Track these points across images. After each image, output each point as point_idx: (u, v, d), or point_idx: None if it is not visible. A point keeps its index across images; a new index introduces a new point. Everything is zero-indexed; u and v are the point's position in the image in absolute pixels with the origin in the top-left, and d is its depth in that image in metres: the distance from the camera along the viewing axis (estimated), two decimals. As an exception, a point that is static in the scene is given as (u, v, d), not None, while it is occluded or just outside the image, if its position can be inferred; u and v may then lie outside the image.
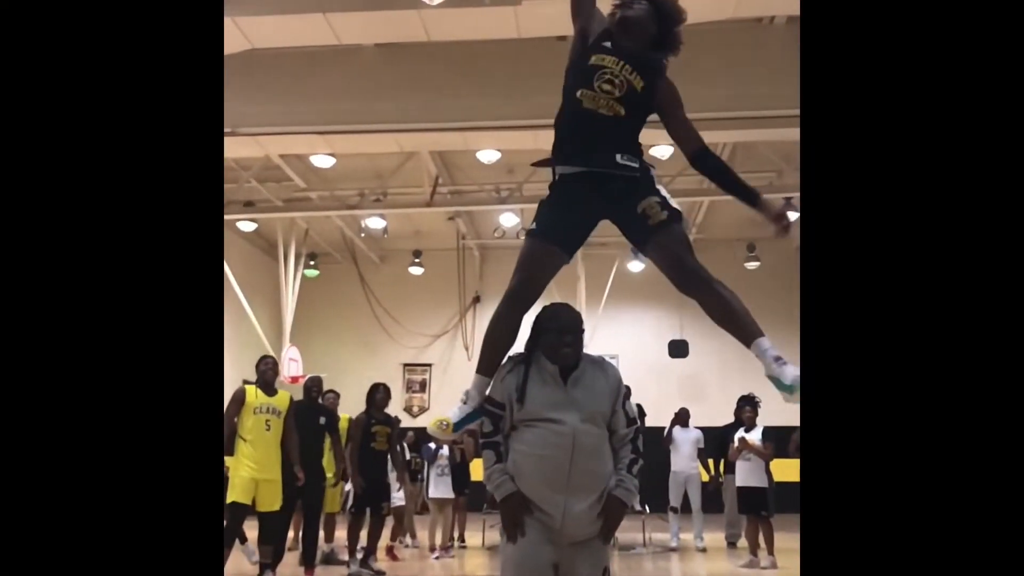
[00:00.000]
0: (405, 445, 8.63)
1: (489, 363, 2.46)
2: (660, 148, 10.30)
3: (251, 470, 5.58)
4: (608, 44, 2.49)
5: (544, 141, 9.27)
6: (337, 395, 7.60)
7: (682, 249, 2.36)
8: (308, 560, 6.38)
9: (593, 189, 2.43)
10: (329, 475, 6.72)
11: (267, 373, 5.88)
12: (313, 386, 6.86)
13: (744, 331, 2.29)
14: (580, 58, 2.52)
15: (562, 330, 2.50)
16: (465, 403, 2.51)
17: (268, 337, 13.85)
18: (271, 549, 5.74)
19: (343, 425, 7.15)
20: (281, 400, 5.83)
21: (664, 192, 2.42)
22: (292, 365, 13.31)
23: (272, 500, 5.65)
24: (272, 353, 13.56)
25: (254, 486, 5.60)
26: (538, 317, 2.59)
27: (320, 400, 6.94)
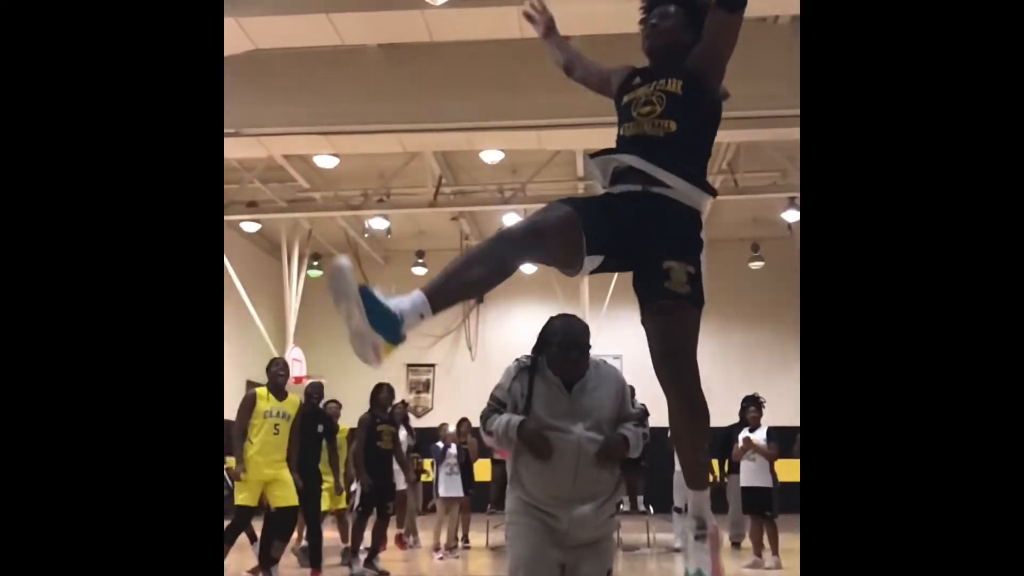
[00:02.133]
0: (410, 418, 8.60)
1: (439, 289, 1.89)
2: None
3: (258, 473, 5.62)
4: (637, 79, 2.22)
5: (548, 141, 9.30)
6: (339, 405, 7.60)
7: (682, 342, 2.02)
8: (314, 562, 6.39)
9: (633, 207, 2.05)
10: (327, 483, 6.69)
11: (278, 377, 5.89)
12: (314, 392, 6.87)
13: (688, 472, 2.12)
14: (616, 105, 2.28)
15: (568, 345, 2.52)
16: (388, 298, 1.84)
17: (272, 338, 13.87)
18: (283, 545, 5.76)
19: (341, 436, 7.17)
20: (291, 404, 5.87)
21: (703, 265, 2.06)
22: (296, 365, 13.32)
23: (286, 496, 5.68)
24: (276, 353, 13.66)
25: (261, 488, 5.66)
26: (545, 328, 2.60)
27: (320, 406, 6.95)
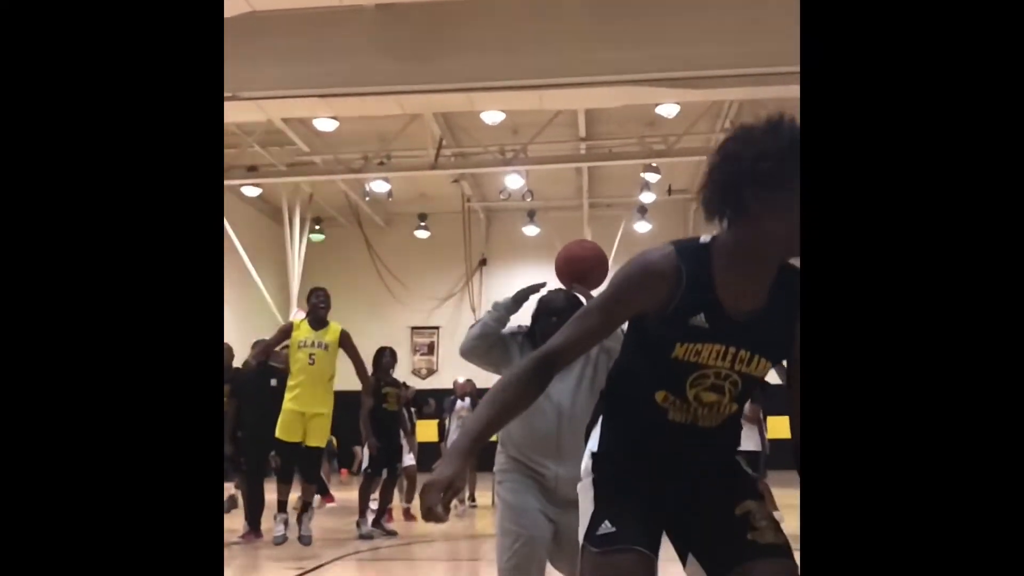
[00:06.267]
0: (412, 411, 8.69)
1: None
2: (666, 107, 10.21)
3: (296, 404, 5.59)
4: (702, 319, 1.51)
5: (549, 101, 9.20)
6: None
7: None
8: (253, 523, 6.41)
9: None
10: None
11: (318, 308, 5.73)
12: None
13: None
14: (651, 335, 1.57)
15: (548, 312, 2.64)
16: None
17: (275, 302, 13.91)
18: (313, 489, 5.75)
19: None
20: (330, 333, 5.71)
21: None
22: (300, 329, 13.37)
23: (318, 436, 5.65)
24: (280, 317, 13.71)
25: (300, 421, 5.60)
26: (539, 301, 2.74)
27: (269, 362, 6.71)
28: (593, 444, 1.70)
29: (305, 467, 5.85)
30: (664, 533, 1.63)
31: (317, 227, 15.48)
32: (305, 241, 14.85)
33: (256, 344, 6.89)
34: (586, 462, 1.69)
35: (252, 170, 12.24)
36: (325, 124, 10.80)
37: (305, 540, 5.63)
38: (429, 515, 1.42)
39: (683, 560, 1.62)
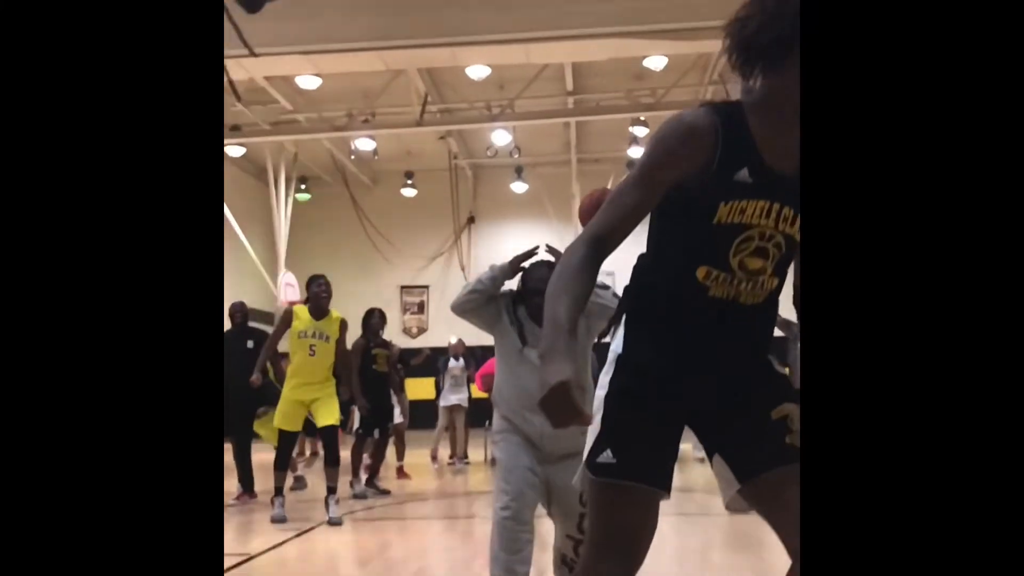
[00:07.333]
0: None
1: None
2: (654, 59, 10.07)
3: (296, 394, 5.52)
4: (745, 173, 1.44)
5: (536, 55, 9.06)
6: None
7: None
8: (247, 486, 6.47)
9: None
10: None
11: (320, 297, 5.55)
12: (236, 312, 6.84)
13: None
14: (690, 205, 1.48)
15: (533, 291, 2.74)
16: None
17: (263, 263, 13.83)
18: (337, 471, 5.60)
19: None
20: (330, 323, 5.57)
21: None
22: (289, 290, 13.34)
23: (329, 414, 5.52)
24: (269, 279, 13.65)
25: (301, 408, 5.55)
26: (525, 271, 2.86)
27: (247, 323, 6.81)
28: (617, 345, 1.60)
29: (325, 448, 5.73)
30: (690, 429, 1.58)
31: (303, 186, 15.33)
32: (291, 201, 14.71)
33: (235, 308, 6.83)
34: (608, 366, 1.62)
35: (235, 129, 12.05)
36: (308, 82, 10.62)
37: (335, 522, 5.47)
38: (575, 419, 1.29)
39: (710, 458, 1.57)
